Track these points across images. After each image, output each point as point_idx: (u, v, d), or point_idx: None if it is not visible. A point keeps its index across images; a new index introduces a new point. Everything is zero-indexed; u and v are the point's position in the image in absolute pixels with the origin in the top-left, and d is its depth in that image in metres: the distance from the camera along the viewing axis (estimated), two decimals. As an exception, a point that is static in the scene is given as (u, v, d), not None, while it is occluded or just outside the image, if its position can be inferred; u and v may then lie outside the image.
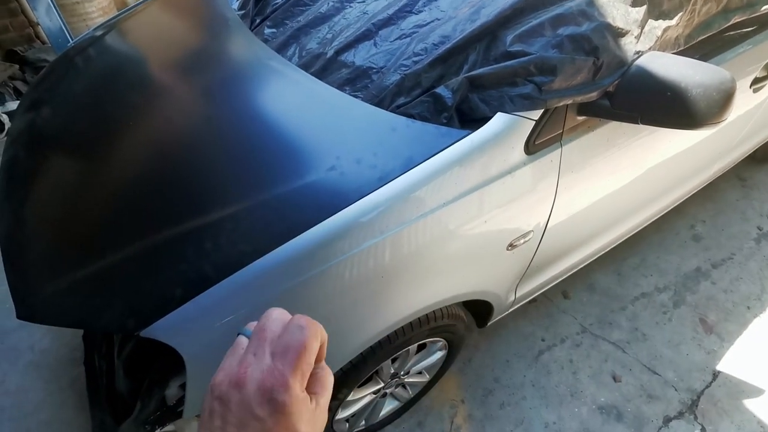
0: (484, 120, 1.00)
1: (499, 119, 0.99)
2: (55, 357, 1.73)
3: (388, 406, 1.51)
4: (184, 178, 1.06)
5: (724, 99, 0.95)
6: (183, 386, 0.99)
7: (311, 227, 0.89)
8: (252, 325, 0.38)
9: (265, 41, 1.34)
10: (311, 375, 0.36)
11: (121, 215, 1.05)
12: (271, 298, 0.88)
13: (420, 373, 1.47)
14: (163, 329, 0.85)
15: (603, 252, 1.72)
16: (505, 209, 1.07)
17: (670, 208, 1.89)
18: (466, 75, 1.01)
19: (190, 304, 0.86)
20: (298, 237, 0.88)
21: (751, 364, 1.75)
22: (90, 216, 1.07)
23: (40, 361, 1.71)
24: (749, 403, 1.63)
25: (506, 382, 1.70)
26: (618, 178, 1.34)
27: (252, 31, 1.40)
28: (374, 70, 1.13)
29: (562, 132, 1.09)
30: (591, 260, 1.70)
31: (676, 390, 1.68)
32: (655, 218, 1.85)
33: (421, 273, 1.03)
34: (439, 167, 0.95)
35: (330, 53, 1.19)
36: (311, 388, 0.36)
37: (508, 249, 1.16)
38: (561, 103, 1.00)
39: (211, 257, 0.90)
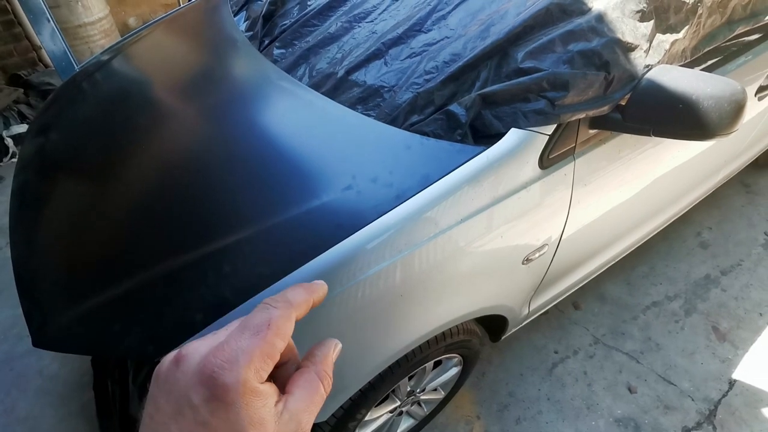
0: (498, 136, 1.01)
1: (512, 135, 1.00)
2: (64, 382, 1.71)
3: (404, 425, 1.49)
4: (198, 201, 1.06)
5: (735, 110, 0.96)
6: None
7: (329, 248, 0.89)
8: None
9: (275, 62, 1.35)
10: (296, 372, 0.29)
11: (135, 240, 1.04)
12: (291, 321, 0.88)
13: (435, 389, 1.46)
14: (184, 355, 0.85)
15: (613, 262, 1.71)
16: (520, 224, 1.07)
17: (677, 216, 1.90)
18: (478, 92, 1.01)
19: (210, 328, 0.86)
20: (316, 258, 0.88)
21: (766, 371, 1.73)
22: (105, 241, 1.07)
23: (50, 387, 1.69)
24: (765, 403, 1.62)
25: (521, 396, 1.68)
26: (629, 188, 1.34)
27: (261, 52, 1.41)
28: (386, 89, 1.14)
29: (575, 146, 1.09)
30: (601, 271, 1.69)
31: (693, 400, 1.66)
32: (663, 227, 1.85)
33: (439, 290, 1.03)
34: (455, 184, 0.95)
35: (341, 73, 1.20)
36: (285, 385, 0.28)
37: (523, 263, 1.16)
38: (574, 118, 1.00)
39: (230, 281, 0.90)
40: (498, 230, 1.04)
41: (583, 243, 1.37)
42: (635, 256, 1.99)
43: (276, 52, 1.38)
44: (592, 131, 1.10)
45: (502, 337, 1.48)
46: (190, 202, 1.06)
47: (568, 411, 1.64)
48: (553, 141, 1.03)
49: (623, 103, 1.03)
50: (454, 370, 1.43)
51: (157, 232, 1.03)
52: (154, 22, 1.81)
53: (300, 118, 1.18)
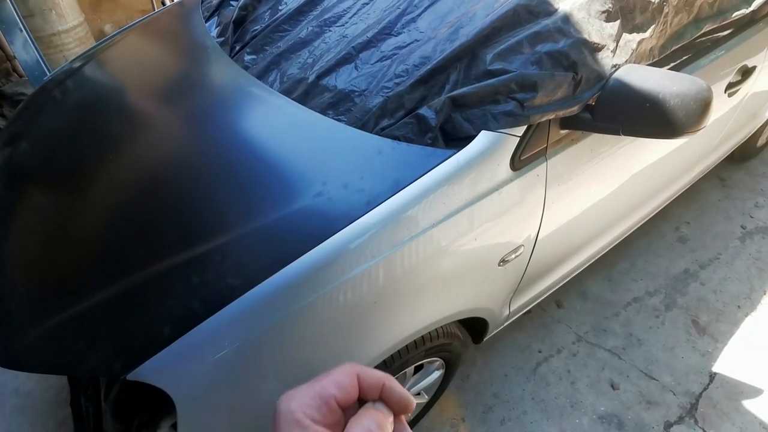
0: (469, 139, 1.00)
1: (483, 137, 0.99)
2: (40, 399, 1.66)
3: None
4: (167, 212, 1.04)
5: (701, 108, 0.97)
6: (174, 426, 0.95)
7: (300, 256, 0.88)
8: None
9: (246, 68, 1.34)
10: (359, 418, 0.31)
11: (102, 253, 1.02)
12: (262, 331, 0.86)
13: (418, 394, 1.45)
14: (151, 371, 0.83)
15: (594, 260, 1.72)
16: (495, 225, 1.07)
17: (655, 212, 1.92)
18: (448, 95, 1.01)
19: (179, 342, 0.84)
20: (287, 267, 0.87)
21: (746, 363, 1.76)
22: (71, 254, 1.04)
23: (26, 404, 1.65)
24: (748, 404, 1.64)
25: (505, 396, 1.68)
26: (604, 186, 1.35)
27: (232, 58, 1.39)
28: (356, 93, 1.13)
29: (546, 146, 1.09)
30: (582, 268, 1.70)
31: (674, 394, 1.68)
32: (642, 223, 1.87)
33: (415, 295, 1.02)
34: (427, 188, 0.95)
35: (311, 78, 1.19)
36: (345, 428, 0.31)
37: (500, 264, 1.16)
38: (543, 119, 1.01)
39: (199, 292, 0.88)
40: (472, 233, 1.03)
41: (561, 242, 1.37)
42: (615, 252, 2.01)
43: (247, 58, 1.37)
44: (563, 131, 1.11)
45: (484, 339, 1.48)
46: (158, 212, 1.04)
47: (552, 410, 1.65)
48: (524, 142, 1.03)
49: (592, 102, 1.04)
50: (436, 374, 1.42)
51: (124, 245, 1.01)
52: (126, 28, 1.78)
53: (271, 125, 1.17)
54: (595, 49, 1.02)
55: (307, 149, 1.08)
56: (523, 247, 1.19)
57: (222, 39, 1.50)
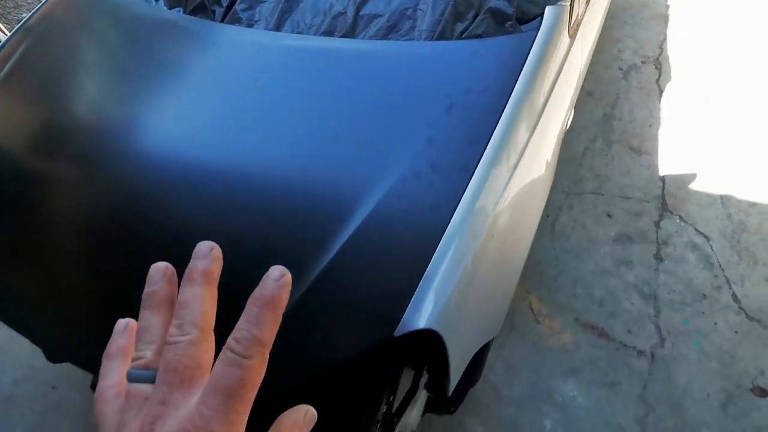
0: (536, 18, 1.10)
1: (550, 12, 1.10)
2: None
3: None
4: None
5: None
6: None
7: (480, 158, 0.90)
8: (144, 362, 0.28)
9: (250, 26, 1.19)
10: None
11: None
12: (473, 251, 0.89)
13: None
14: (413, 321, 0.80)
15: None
16: (568, 90, 1.21)
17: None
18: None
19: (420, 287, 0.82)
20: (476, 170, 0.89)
21: (674, 160, 2.28)
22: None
23: None
24: (693, 185, 2.16)
25: (544, 259, 1.94)
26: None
27: (224, 21, 1.22)
28: (411, 9, 1.11)
29: (579, 12, 1.24)
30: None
31: (647, 202, 2.12)
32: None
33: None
34: (534, 69, 1.03)
35: (351, 10, 1.13)
36: None
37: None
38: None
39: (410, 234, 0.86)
40: (564, 103, 1.16)
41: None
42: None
43: (244, 15, 1.21)
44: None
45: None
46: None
47: (580, 252, 1.96)
48: (572, 10, 1.16)
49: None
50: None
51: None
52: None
53: (336, 76, 1.09)
54: None
55: (405, 76, 1.05)
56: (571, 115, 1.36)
57: (179, 9, 1.28)
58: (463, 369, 0.95)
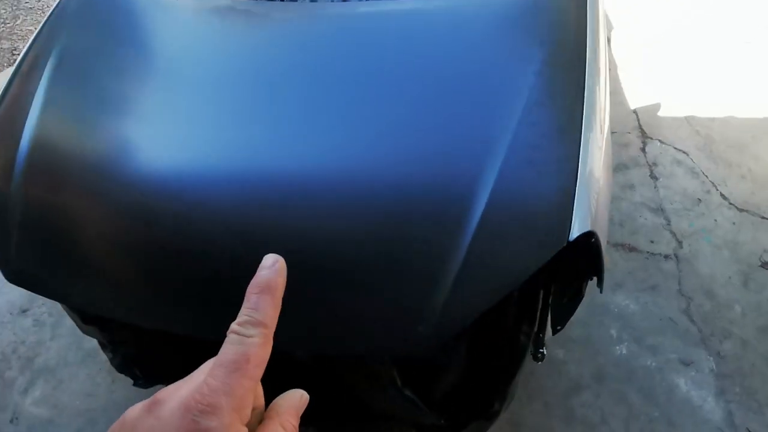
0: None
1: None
2: None
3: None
4: None
5: None
6: None
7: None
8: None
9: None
10: (260, 426, 0.28)
11: None
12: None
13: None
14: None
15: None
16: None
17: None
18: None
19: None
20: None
21: (637, 95, 2.57)
22: None
23: None
24: (661, 112, 2.45)
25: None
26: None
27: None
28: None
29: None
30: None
31: (629, 133, 2.38)
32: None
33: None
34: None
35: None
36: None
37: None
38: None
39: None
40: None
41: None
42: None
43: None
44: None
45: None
46: None
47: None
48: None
49: None
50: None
51: None
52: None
53: (409, 46, 1.12)
54: None
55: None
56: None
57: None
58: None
